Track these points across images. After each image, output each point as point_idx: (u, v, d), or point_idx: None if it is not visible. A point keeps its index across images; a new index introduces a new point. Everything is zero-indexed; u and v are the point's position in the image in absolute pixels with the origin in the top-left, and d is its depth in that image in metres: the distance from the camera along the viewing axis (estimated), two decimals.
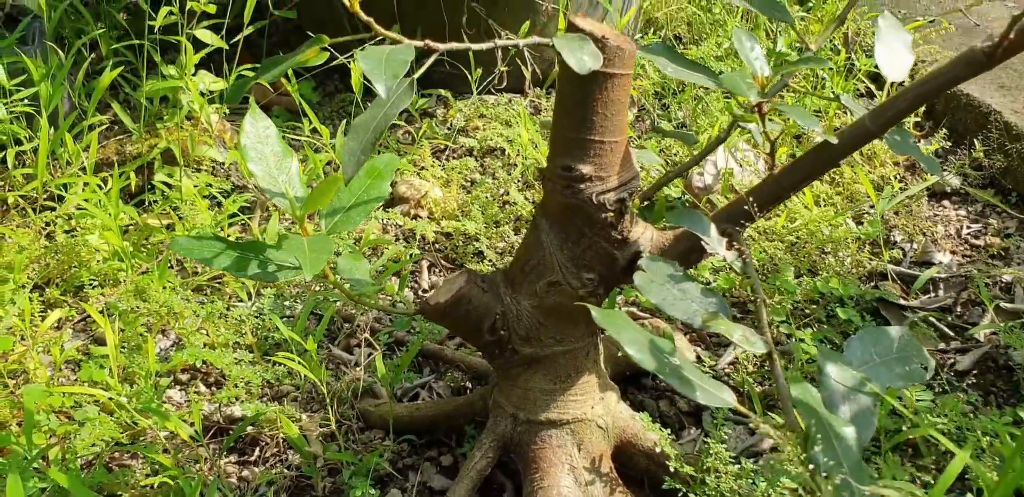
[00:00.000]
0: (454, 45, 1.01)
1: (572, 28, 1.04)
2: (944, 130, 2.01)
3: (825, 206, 1.83)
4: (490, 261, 1.74)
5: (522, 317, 1.19)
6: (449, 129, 2.15)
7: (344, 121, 2.08)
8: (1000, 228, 1.84)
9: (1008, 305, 1.61)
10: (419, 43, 0.95)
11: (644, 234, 1.16)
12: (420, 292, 1.72)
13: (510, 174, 1.96)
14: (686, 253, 1.17)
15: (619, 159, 1.10)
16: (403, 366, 1.37)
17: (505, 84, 2.26)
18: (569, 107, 1.07)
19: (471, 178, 2.00)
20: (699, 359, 1.53)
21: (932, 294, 1.67)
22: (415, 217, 1.87)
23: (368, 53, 0.90)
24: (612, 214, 1.11)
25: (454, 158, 2.08)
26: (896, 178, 1.94)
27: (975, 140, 1.98)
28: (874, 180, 1.92)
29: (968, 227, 1.86)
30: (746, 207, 1.13)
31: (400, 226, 1.84)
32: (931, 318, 1.59)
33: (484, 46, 1.03)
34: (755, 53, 1.09)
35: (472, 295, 1.17)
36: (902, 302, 1.63)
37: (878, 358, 0.99)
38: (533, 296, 1.18)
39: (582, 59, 0.97)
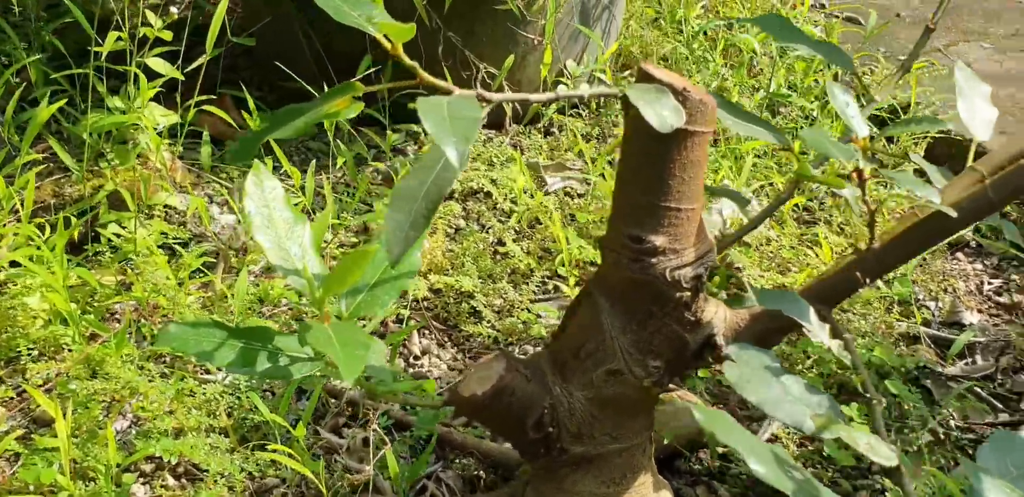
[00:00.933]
0: (510, 96, 0.84)
1: (645, 78, 0.87)
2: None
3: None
4: (488, 322, 1.56)
5: (575, 411, 1.01)
6: None
7: (313, 161, 1.88)
8: (1023, 284, 1.74)
9: None
10: (470, 92, 0.78)
11: (717, 314, 0.99)
12: (411, 359, 1.52)
13: (501, 222, 1.79)
14: (764, 336, 1.01)
15: (695, 229, 0.94)
16: (421, 464, 1.18)
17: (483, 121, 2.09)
18: (639, 167, 0.91)
19: (455, 224, 1.82)
20: None
21: (969, 360, 1.55)
22: None
23: (428, 108, 0.72)
24: (688, 293, 0.94)
25: None
26: None
27: None
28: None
29: (989, 282, 1.76)
30: (836, 285, 0.98)
31: None
32: (975, 388, 1.47)
33: (546, 97, 0.86)
34: (852, 110, 0.94)
35: (516, 385, 0.99)
36: (942, 369, 1.50)
37: (1015, 469, 0.85)
38: (588, 386, 1.00)
39: (663, 115, 0.81)
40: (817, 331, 0.91)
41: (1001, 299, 1.71)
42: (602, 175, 1.83)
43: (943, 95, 2.17)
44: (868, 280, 0.97)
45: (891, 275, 1.67)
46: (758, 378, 0.89)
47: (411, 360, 1.52)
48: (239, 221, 1.69)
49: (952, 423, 1.43)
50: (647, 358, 0.98)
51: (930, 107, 2.12)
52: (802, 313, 0.91)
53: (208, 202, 1.68)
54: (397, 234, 0.76)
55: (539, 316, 1.57)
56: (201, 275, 1.54)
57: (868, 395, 0.91)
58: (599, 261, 1.73)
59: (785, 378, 0.89)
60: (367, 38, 2.06)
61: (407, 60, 0.81)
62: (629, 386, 0.99)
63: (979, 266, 1.80)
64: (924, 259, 1.76)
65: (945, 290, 1.71)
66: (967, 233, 1.83)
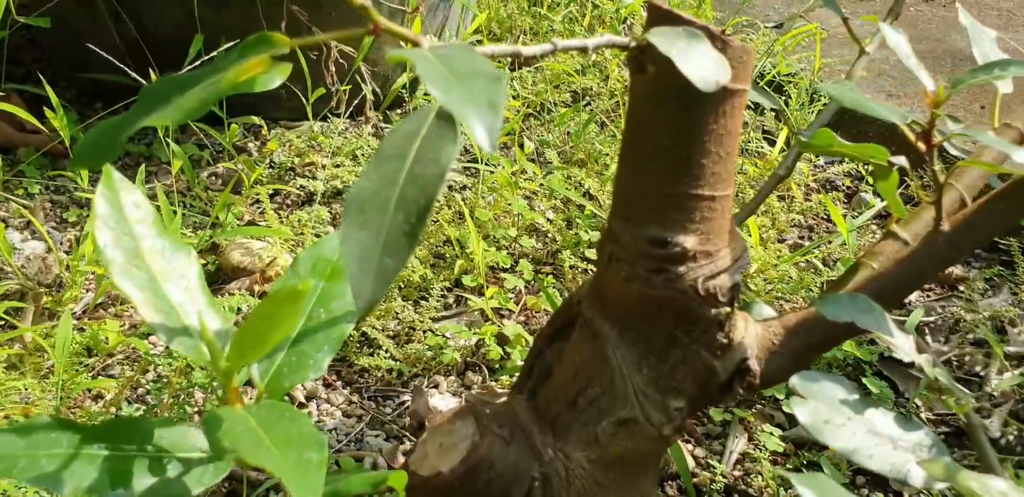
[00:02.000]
0: (503, 48, 0.56)
1: (664, 19, 0.62)
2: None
3: (767, 241, 1.53)
4: (385, 351, 1.27)
5: (574, 479, 0.75)
6: (272, 167, 1.64)
7: (142, 167, 1.51)
8: None
9: (1011, 349, 1.37)
10: (508, 48, 0.51)
11: (748, 331, 0.76)
12: (296, 407, 1.21)
13: None
14: (802, 354, 0.78)
15: (728, 222, 0.70)
16: None
17: (341, 108, 1.78)
18: (659, 145, 0.66)
19: (322, 232, 1.51)
20: (698, 462, 1.15)
21: (925, 343, 1.40)
22: (261, 295, 1.36)
23: (426, 63, 0.44)
24: (725, 309, 0.70)
25: (294, 207, 1.58)
26: (823, 204, 1.68)
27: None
28: (807, 209, 1.65)
29: None
30: (898, 280, 0.76)
31: (241, 311, 1.32)
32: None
33: (540, 49, 0.59)
34: (913, 60, 0.72)
35: (494, 455, 0.72)
36: (901, 358, 1.34)
37: None
38: (591, 444, 0.74)
39: (704, 69, 0.56)
40: (902, 346, 0.69)
41: None
42: (486, 163, 1.57)
43: (831, 59, 2.05)
44: (932, 271, 0.77)
45: (818, 253, 1.51)
46: (837, 417, 0.66)
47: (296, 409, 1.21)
48: (49, 249, 1.31)
49: (924, 416, 1.27)
50: (667, 398, 0.73)
51: (822, 71, 1.99)
52: (880, 324, 0.69)
53: (4, 227, 1.30)
54: (364, 265, 0.47)
55: (447, 337, 1.30)
56: (2, 325, 1.17)
57: (973, 425, 0.70)
58: (504, 262, 1.49)
59: (870, 413, 0.67)
60: (197, 15, 1.71)
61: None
62: (643, 438, 0.74)
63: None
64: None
65: None
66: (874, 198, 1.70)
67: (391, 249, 0.47)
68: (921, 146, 0.71)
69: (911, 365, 1.35)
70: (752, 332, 0.76)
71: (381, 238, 0.47)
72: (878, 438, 0.66)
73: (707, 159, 0.65)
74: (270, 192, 1.55)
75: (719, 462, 1.14)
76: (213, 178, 1.63)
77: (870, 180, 1.74)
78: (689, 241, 0.67)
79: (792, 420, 1.22)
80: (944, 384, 0.70)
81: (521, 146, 1.65)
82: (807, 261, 1.51)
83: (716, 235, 0.69)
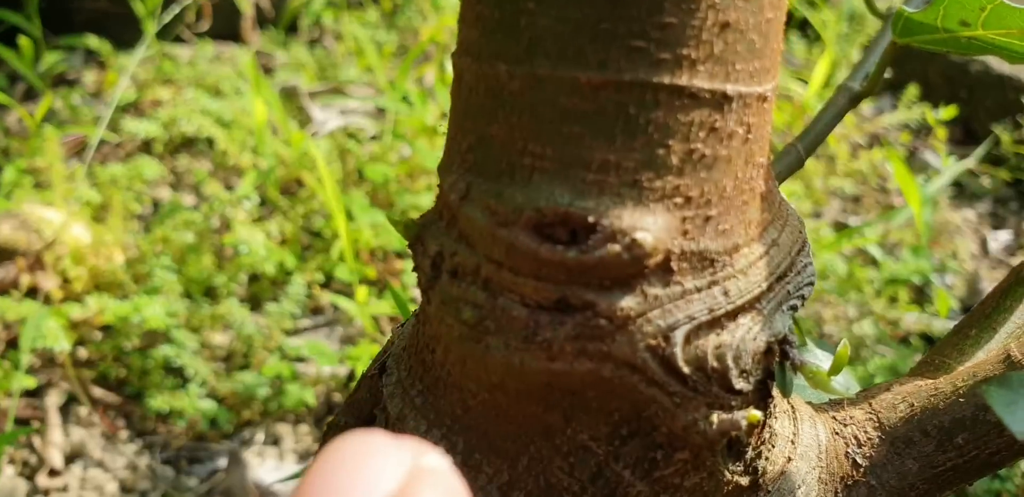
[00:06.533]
0: None
1: None
2: (909, 87, 1.30)
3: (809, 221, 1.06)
4: (202, 384, 0.81)
5: None
6: (109, 107, 1.17)
7: None
8: None
9: None
10: None
11: (800, 440, 0.29)
12: (47, 475, 0.75)
13: (231, 189, 1.03)
14: (930, 485, 0.32)
15: (761, 179, 0.23)
16: None
17: (208, 26, 1.30)
18: None
19: (154, 198, 1.05)
20: None
21: None
22: (31, 291, 0.89)
23: None
24: (750, 414, 0.23)
25: (116, 161, 1.11)
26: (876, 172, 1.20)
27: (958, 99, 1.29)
28: (852, 172, 1.18)
29: (995, 238, 1.16)
30: None
31: None
32: None
33: None
34: None
35: None
36: None
37: None
38: None
39: None
40: None
41: (1013, 260, 1.12)
42: (405, 99, 1.10)
43: None
44: None
45: (872, 235, 1.04)
46: None
47: (45, 478, 0.75)
48: None
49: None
50: None
51: None
52: None
53: None
54: None
55: (301, 361, 0.84)
56: None
57: None
58: (402, 244, 1.01)
59: None
60: None
61: None
62: None
63: (971, 214, 1.20)
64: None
65: (953, 256, 1.10)
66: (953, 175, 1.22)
67: None
68: None
69: None
70: (809, 440, 0.30)
71: None
72: None
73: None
74: (65, 137, 1.08)
75: None
76: (17, 121, 1.16)
77: (939, 133, 1.26)
78: (655, 223, 0.20)
79: None
80: None
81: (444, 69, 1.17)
82: (857, 247, 1.04)
83: (727, 207, 0.22)
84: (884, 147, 1.25)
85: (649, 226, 0.21)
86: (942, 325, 0.97)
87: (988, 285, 1.07)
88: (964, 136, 1.35)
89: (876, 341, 0.94)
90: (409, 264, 0.94)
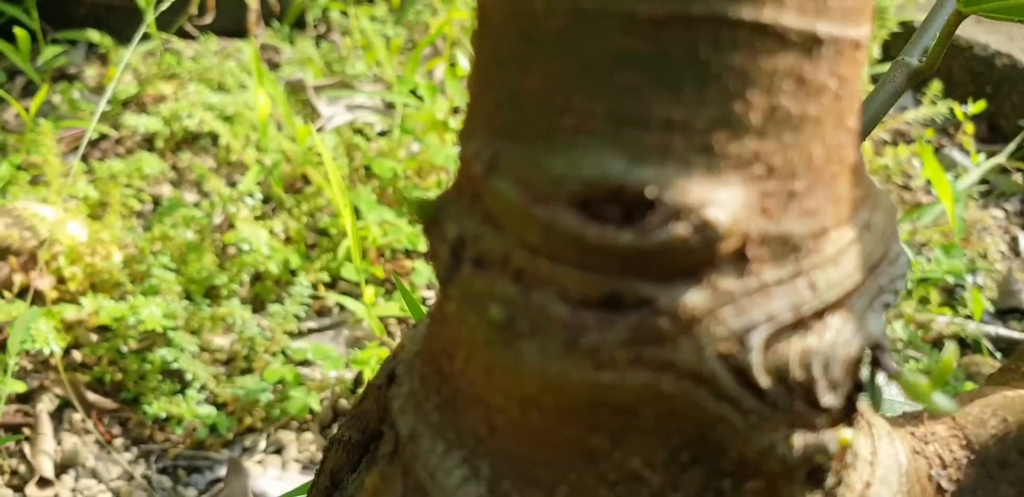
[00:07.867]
0: None
1: None
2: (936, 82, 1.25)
3: None
4: (203, 389, 0.77)
5: None
6: (110, 102, 1.13)
7: None
8: None
9: None
10: None
11: (878, 463, 0.25)
12: (35, 485, 0.72)
13: (234, 185, 0.99)
14: None
15: (851, 149, 0.19)
16: None
17: (212, 19, 1.27)
18: None
19: (155, 195, 1.01)
20: None
21: None
22: (22, 292, 0.85)
23: None
24: (838, 435, 0.19)
25: (116, 157, 1.07)
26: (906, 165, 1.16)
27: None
28: (877, 169, 1.14)
29: None
30: None
31: None
32: None
33: None
34: None
35: None
36: None
37: None
38: None
39: None
40: None
41: None
42: (414, 93, 1.06)
43: None
44: None
45: (922, 239, 1.00)
46: None
47: (35, 489, 0.71)
48: None
49: None
50: None
51: None
52: None
53: None
54: None
55: (305, 365, 0.80)
56: None
57: None
58: (413, 243, 0.96)
59: None
60: None
61: None
62: None
63: (999, 212, 1.16)
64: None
65: (983, 256, 1.06)
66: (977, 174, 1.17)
67: None
68: None
69: None
70: (889, 461, 0.25)
71: None
72: None
73: None
74: (65, 132, 1.04)
75: None
76: (14, 116, 1.13)
77: (967, 129, 1.22)
78: (731, 198, 0.16)
79: None
80: None
81: (453, 66, 1.13)
82: None
83: (814, 180, 0.18)
84: (909, 144, 1.21)
85: (724, 202, 0.17)
86: (976, 328, 0.93)
87: (1022, 287, 1.02)
88: (989, 133, 1.30)
89: (907, 344, 0.90)
90: (420, 264, 0.90)
